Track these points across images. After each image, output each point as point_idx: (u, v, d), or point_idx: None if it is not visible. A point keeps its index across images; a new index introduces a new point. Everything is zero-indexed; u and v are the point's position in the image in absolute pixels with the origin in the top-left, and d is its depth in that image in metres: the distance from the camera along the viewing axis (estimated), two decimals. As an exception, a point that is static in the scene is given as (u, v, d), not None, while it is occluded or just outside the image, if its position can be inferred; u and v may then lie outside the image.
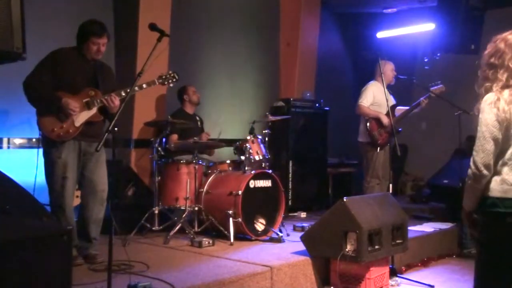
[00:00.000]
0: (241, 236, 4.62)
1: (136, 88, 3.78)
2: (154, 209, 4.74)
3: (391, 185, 5.13)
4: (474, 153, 2.38)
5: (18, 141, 4.93)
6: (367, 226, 3.77)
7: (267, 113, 5.44)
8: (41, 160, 3.79)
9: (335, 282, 3.90)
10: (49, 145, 3.72)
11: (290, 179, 6.61)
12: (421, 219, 6.15)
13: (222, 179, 4.89)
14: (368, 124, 5.68)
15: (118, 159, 5.23)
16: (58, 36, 4.70)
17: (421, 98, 5.63)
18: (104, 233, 3.82)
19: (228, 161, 5.22)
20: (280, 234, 4.67)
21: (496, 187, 2.37)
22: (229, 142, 5.46)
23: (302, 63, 7.62)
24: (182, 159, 4.95)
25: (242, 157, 4.88)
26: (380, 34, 8.52)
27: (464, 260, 5.24)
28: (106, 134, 2.96)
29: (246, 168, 4.83)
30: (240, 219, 4.52)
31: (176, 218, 4.69)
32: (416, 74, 7.27)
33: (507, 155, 2.37)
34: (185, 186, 4.79)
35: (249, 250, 4.26)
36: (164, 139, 5.15)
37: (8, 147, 4.88)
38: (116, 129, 2.93)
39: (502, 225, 2.36)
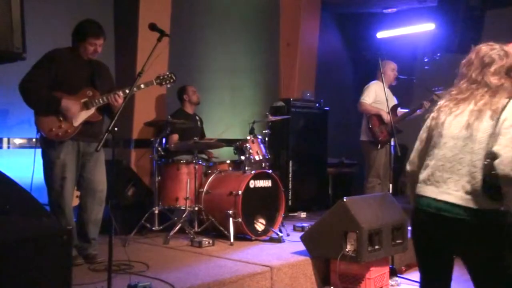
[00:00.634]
0: (241, 236, 4.62)
1: (134, 88, 3.77)
2: (154, 209, 4.74)
3: (391, 185, 5.15)
4: None
5: (18, 141, 4.93)
6: (367, 226, 3.77)
7: (267, 113, 5.45)
8: (38, 160, 3.78)
9: (335, 282, 3.90)
10: (48, 145, 3.72)
11: (290, 179, 6.61)
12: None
13: (222, 179, 4.89)
14: (369, 120, 5.73)
15: (118, 159, 5.22)
16: (58, 36, 4.68)
17: (424, 102, 5.62)
18: (104, 233, 3.81)
19: (228, 161, 5.23)
20: (280, 234, 4.67)
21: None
22: (229, 142, 5.46)
23: (302, 63, 7.62)
24: (182, 159, 4.95)
25: (242, 157, 4.88)
26: (380, 34, 8.52)
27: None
28: (106, 134, 2.95)
29: (246, 168, 4.83)
30: (240, 219, 4.51)
31: (176, 218, 4.69)
32: (416, 74, 7.26)
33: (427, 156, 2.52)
34: (185, 186, 4.79)
35: (249, 250, 4.26)
36: (164, 139, 5.15)
37: (8, 147, 4.88)
38: (116, 129, 2.93)
39: (416, 222, 2.55)
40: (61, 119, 3.67)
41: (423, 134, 2.59)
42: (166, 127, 4.86)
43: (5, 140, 4.87)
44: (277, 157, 6.52)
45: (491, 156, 2.24)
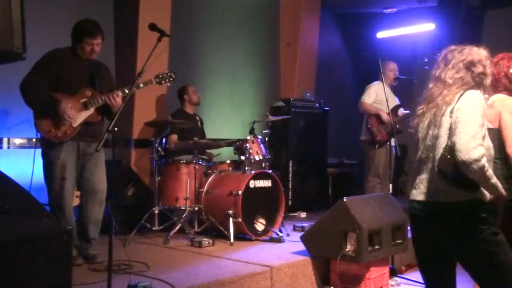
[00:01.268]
0: (241, 236, 4.62)
1: (134, 88, 3.77)
2: (154, 209, 4.74)
3: (391, 185, 5.15)
4: None
5: (18, 141, 4.93)
6: (367, 226, 3.77)
7: (267, 113, 5.45)
8: (38, 160, 3.78)
9: (335, 282, 3.90)
10: (48, 146, 3.71)
11: (290, 179, 6.60)
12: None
13: (222, 179, 4.89)
14: (368, 120, 5.76)
15: (118, 159, 5.22)
16: (58, 36, 4.68)
17: None
18: (104, 233, 3.82)
19: (228, 161, 5.22)
20: (280, 234, 4.67)
21: None
22: (229, 142, 5.46)
23: (302, 63, 7.62)
24: (182, 159, 4.95)
25: (242, 157, 4.88)
26: (380, 34, 8.53)
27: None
28: (106, 134, 2.95)
29: (246, 168, 4.83)
30: (240, 219, 4.51)
31: (176, 218, 4.69)
32: (416, 74, 7.26)
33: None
34: (185, 186, 4.79)
35: (249, 250, 4.26)
36: (164, 139, 5.15)
37: (8, 147, 4.88)
38: (116, 129, 2.93)
39: (411, 225, 2.61)
40: (60, 120, 3.67)
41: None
42: (166, 127, 4.86)
43: (5, 140, 4.87)
44: (277, 157, 6.51)
45: (449, 147, 2.29)
